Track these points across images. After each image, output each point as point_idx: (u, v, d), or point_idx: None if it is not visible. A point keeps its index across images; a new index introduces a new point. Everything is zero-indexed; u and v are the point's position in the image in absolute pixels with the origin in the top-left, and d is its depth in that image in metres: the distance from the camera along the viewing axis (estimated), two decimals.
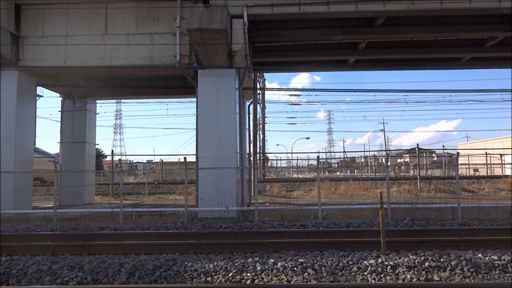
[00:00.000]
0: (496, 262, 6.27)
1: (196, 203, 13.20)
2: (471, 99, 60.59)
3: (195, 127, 13.80)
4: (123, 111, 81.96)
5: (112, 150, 22.12)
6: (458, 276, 5.83)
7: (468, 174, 23.97)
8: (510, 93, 18.80)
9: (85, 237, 8.80)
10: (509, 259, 6.35)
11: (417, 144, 21.56)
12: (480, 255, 6.66)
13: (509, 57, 16.75)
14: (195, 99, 14.12)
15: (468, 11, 12.50)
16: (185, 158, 12.76)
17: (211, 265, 6.29)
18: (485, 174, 24.08)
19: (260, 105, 25.08)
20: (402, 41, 15.23)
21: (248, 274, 5.93)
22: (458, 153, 12.15)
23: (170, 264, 6.44)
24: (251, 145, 18.05)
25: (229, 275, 5.92)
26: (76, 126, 17.56)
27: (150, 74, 16.59)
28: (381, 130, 47.04)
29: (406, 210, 11.55)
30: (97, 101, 19.14)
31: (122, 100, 52.53)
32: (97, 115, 18.97)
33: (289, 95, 31.70)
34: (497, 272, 5.99)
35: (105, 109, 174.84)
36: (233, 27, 12.81)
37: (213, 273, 6.00)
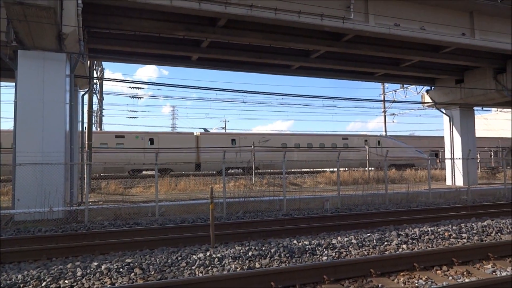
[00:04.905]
0: (307, 246, 7.17)
1: (12, 204, 11.38)
2: (298, 103, 68.68)
3: (13, 117, 11.87)
4: None
5: None
6: (276, 262, 6.44)
7: (294, 170, 27.06)
8: None
9: None
10: (317, 243, 7.34)
11: (253, 142, 23.23)
12: (295, 241, 7.52)
13: (329, 68, 19.51)
14: (13, 84, 12.14)
15: (297, 24, 13.93)
16: None
17: (19, 276, 5.47)
18: (308, 169, 27.56)
19: (97, 96, 23.25)
20: (242, 44, 16.10)
21: (66, 281, 5.37)
22: (285, 151, 13.53)
23: None
24: (86, 138, 16.55)
25: (42, 284, 5.25)
26: None
27: None
28: (223, 128, 49.09)
29: (240, 203, 12.29)
30: None
31: None
32: None
33: (130, 87, 30.20)
34: (308, 255, 6.84)
35: None
36: (64, 7, 11.41)
37: (21, 285, 5.23)
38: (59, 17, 11.09)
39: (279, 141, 28.09)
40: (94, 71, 18.75)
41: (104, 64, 24.34)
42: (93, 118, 21.90)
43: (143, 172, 24.33)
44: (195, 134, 27.00)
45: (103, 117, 25.35)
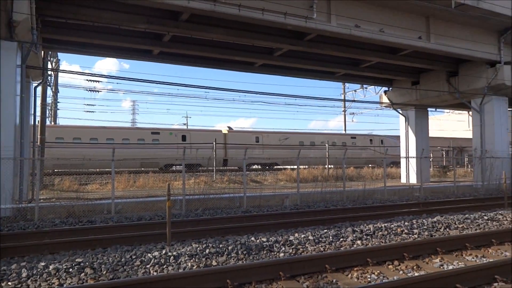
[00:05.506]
0: (265, 243, 7.19)
1: None
2: (261, 101, 68.90)
3: None
4: None
5: None
6: (233, 259, 6.41)
7: (256, 167, 27.44)
8: None
9: None
10: (274, 240, 7.38)
11: (215, 139, 23.10)
12: (253, 238, 7.52)
13: (291, 67, 19.68)
14: None
15: (261, 21, 13.93)
16: None
17: None
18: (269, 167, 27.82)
19: (51, 88, 22.24)
20: (205, 40, 15.90)
21: (9, 283, 5.08)
22: (246, 148, 13.52)
23: None
24: (39, 133, 15.78)
25: None
26: None
27: None
28: (184, 124, 48.42)
29: (200, 200, 12.16)
30: None
31: None
32: None
33: (87, 80, 29.11)
34: (265, 252, 6.86)
35: None
36: None
37: None
38: (10, 3, 10.50)
39: (297, 139, 30.75)
40: (49, 62, 17.90)
41: (61, 55, 23.39)
42: (47, 112, 20.93)
43: (173, 167, 25.12)
44: (223, 131, 28.93)
45: (58, 111, 24.23)
